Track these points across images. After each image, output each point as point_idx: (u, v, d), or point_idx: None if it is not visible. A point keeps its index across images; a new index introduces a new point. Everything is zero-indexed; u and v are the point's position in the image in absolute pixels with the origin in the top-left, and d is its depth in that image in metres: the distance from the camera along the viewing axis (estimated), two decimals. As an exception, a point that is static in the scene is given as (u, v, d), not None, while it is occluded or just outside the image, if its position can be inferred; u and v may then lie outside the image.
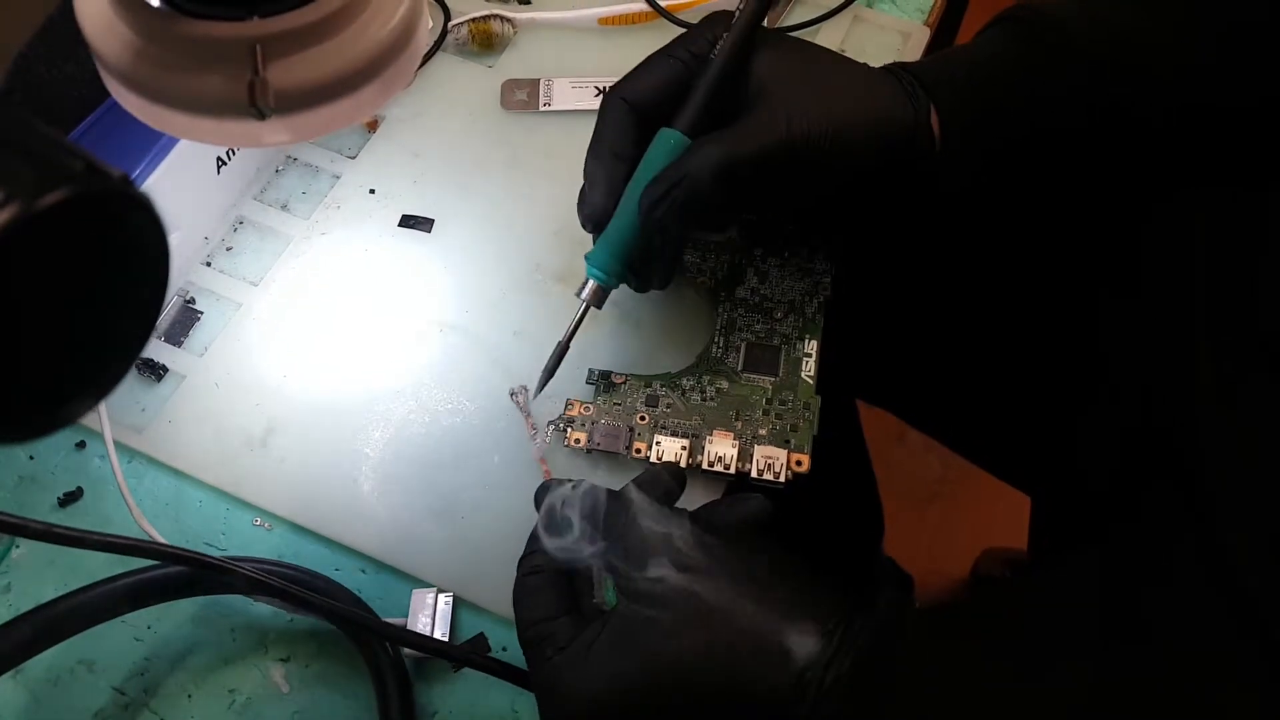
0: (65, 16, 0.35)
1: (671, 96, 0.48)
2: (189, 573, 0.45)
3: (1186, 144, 0.49)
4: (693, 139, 0.46)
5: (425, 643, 0.46)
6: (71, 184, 0.21)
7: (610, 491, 0.43)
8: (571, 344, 0.50)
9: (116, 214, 0.23)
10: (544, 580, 0.42)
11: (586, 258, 0.49)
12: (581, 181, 0.49)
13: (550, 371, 0.50)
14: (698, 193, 0.45)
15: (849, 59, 0.49)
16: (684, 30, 0.49)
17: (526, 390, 0.53)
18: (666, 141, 0.47)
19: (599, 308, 0.49)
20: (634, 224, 0.47)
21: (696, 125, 0.47)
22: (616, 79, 0.63)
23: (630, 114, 0.48)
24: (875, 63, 0.50)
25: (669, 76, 0.48)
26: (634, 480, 0.45)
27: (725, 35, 0.47)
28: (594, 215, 0.48)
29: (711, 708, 0.38)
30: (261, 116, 0.32)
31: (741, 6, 0.47)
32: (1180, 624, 0.38)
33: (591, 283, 0.49)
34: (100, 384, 0.26)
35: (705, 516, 0.43)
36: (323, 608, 0.44)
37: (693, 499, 0.49)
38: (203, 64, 0.33)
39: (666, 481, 0.45)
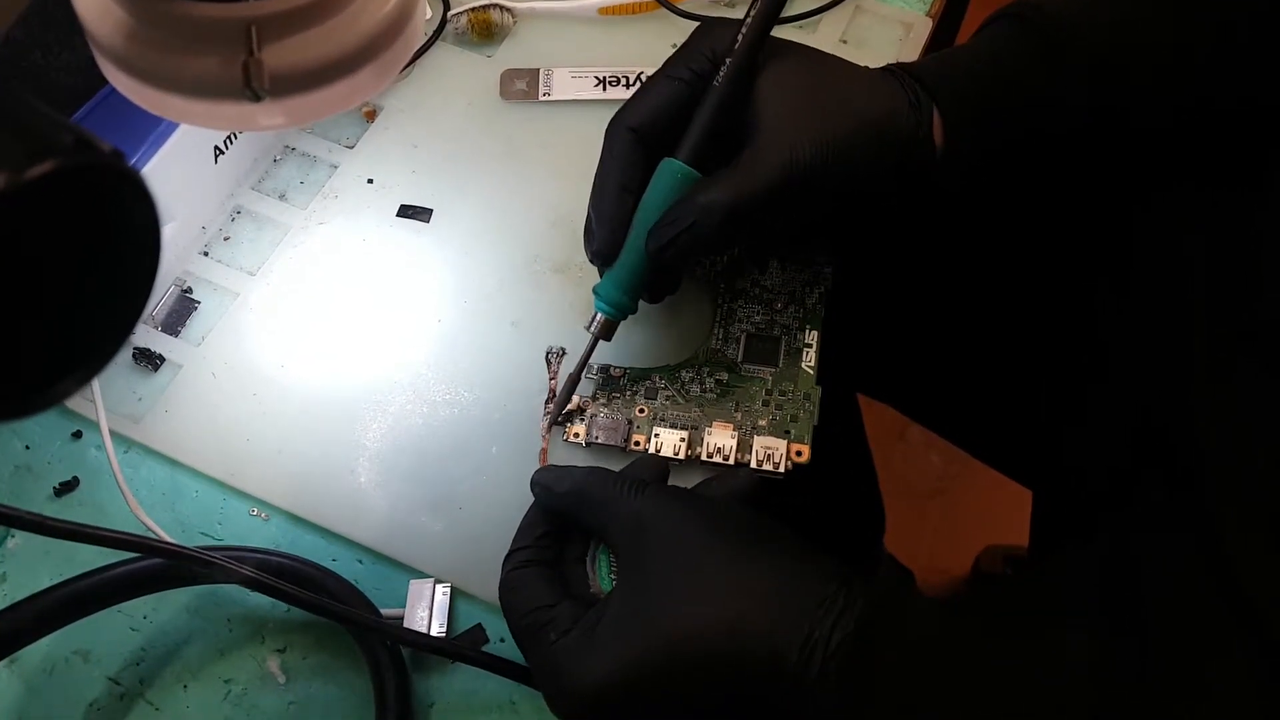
0: (60, 1, 0.34)
1: (675, 119, 0.47)
2: (183, 564, 0.45)
3: (1185, 142, 0.49)
4: (695, 168, 0.46)
5: (419, 639, 0.46)
6: (60, 156, 0.21)
7: (602, 473, 0.43)
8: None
9: (106, 188, 0.23)
10: (534, 572, 0.42)
11: (595, 290, 0.49)
12: (583, 171, 0.49)
13: (564, 402, 0.51)
14: (704, 237, 0.45)
15: (851, 66, 0.49)
16: (683, 19, 0.49)
17: (565, 352, 0.53)
18: (672, 175, 0.47)
19: (608, 340, 0.50)
20: (641, 260, 0.47)
21: (699, 155, 0.47)
22: (617, 69, 0.63)
23: (636, 144, 0.47)
24: (877, 54, 0.50)
25: (671, 99, 0.47)
26: (621, 470, 0.45)
27: (727, 61, 0.46)
28: (602, 252, 0.48)
29: (719, 679, 0.38)
30: (256, 99, 0.32)
31: (743, 33, 0.46)
32: (1178, 619, 0.38)
33: (600, 316, 0.49)
34: (91, 363, 0.26)
35: (697, 491, 0.44)
36: (314, 605, 0.43)
37: (692, 490, 0.49)
38: (198, 46, 0.32)
39: (656, 465, 0.46)
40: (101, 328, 0.26)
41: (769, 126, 0.46)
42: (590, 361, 0.51)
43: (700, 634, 0.38)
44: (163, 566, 0.46)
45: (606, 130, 0.48)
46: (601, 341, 0.50)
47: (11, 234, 0.21)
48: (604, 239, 0.48)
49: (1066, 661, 0.38)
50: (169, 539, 0.47)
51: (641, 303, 0.50)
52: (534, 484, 0.44)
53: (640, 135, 0.47)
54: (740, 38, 0.46)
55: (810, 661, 0.37)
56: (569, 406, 0.51)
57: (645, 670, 0.38)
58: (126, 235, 0.25)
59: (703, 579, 0.39)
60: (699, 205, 0.45)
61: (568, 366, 0.53)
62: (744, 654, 0.38)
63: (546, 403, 0.52)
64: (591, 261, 0.50)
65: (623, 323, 0.50)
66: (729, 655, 0.38)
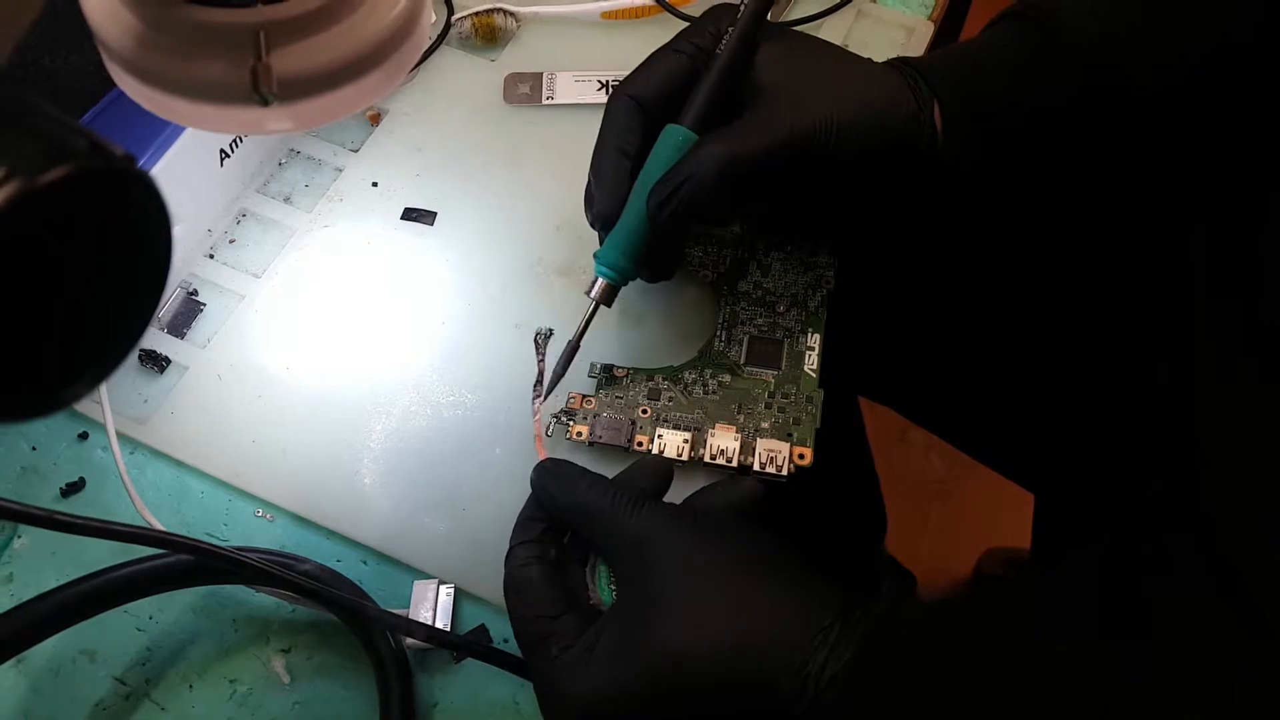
0: (70, 5, 0.35)
1: (677, 92, 0.48)
2: (191, 562, 0.45)
3: (1185, 141, 0.49)
4: (698, 134, 0.47)
5: (426, 631, 0.46)
6: (74, 161, 0.21)
7: (602, 487, 0.43)
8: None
9: (119, 192, 0.23)
10: (539, 574, 0.42)
11: (595, 256, 0.49)
12: (585, 175, 0.49)
13: (561, 372, 0.51)
14: (703, 192, 0.45)
15: (852, 53, 0.49)
16: (687, 24, 0.49)
17: (552, 333, 0.54)
18: (673, 138, 0.47)
19: (609, 305, 0.50)
20: (642, 222, 0.47)
21: (701, 121, 0.47)
22: (620, 73, 0.63)
23: (636, 111, 0.48)
24: (879, 58, 0.50)
25: (674, 72, 0.48)
26: (623, 472, 0.45)
27: (729, 30, 0.47)
28: (602, 214, 0.48)
29: (715, 703, 0.38)
30: (264, 103, 0.32)
31: (746, 1, 0.47)
32: (1180, 620, 0.38)
33: (601, 281, 0.49)
34: (102, 365, 0.26)
35: (698, 502, 0.43)
36: (325, 597, 0.44)
37: (695, 491, 0.49)
38: (206, 50, 0.33)
39: (656, 473, 0.45)
40: (113, 330, 0.26)
41: (770, 95, 0.46)
42: (593, 361, 0.51)
43: (695, 658, 0.38)
44: (168, 566, 0.46)
45: (608, 100, 0.49)
46: (601, 315, 0.49)
47: (26, 238, 0.21)
48: (603, 201, 0.48)
49: (1068, 663, 0.38)
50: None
51: (645, 304, 0.50)
52: (535, 486, 0.44)
53: (640, 103, 0.48)
54: (743, 6, 0.47)
55: (803, 691, 0.37)
56: (571, 406, 0.51)
57: (640, 692, 0.38)
58: (138, 239, 0.25)
59: (700, 602, 0.39)
60: (696, 158, 0.45)
61: (555, 348, 0.53)
62: (738, 679, 0.38)
63: (536, 384, 0.52)
64: (592, 226, 0.50)
65: (626, 324, 0.50)
66: (723, 681, 0.38)
